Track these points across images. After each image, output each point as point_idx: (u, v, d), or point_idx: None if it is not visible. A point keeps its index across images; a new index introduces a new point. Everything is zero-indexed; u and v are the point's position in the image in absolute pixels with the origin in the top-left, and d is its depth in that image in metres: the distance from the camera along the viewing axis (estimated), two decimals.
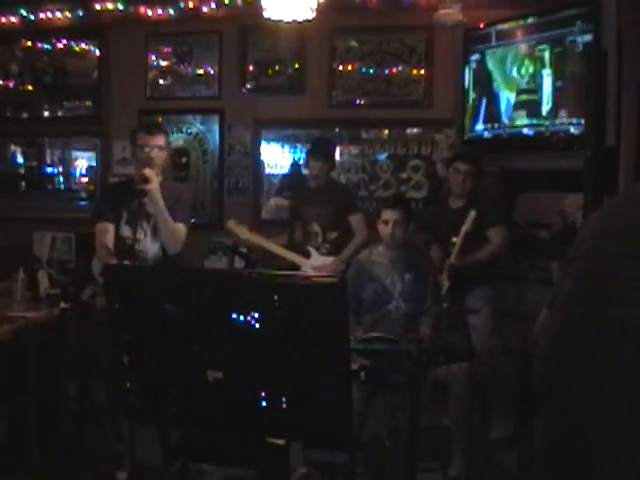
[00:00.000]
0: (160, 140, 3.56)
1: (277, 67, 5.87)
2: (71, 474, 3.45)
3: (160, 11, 5.89)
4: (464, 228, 3.96)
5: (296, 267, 4.47)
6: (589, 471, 1.48)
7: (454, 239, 4.02)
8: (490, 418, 4.02)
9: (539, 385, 1.66)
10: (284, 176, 5.90)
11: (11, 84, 6.44)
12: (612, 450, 1.42)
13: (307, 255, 4.51)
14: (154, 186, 3.40)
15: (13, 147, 6.56)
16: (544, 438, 1.65)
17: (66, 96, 6.32)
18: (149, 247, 3.54)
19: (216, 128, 6.04)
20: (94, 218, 3.66)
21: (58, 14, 6.03)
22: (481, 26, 5.11)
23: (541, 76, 4.67)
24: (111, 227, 3.53)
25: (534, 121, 4.69)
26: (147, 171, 3.41)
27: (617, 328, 1.43)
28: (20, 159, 6.55)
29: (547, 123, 4.57)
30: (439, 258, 4.21)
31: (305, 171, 4.80)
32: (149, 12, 5.90)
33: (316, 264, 4.46)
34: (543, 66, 4.65)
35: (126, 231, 3.51)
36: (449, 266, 4.03)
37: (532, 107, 4.72)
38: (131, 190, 3.49)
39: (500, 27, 4.98)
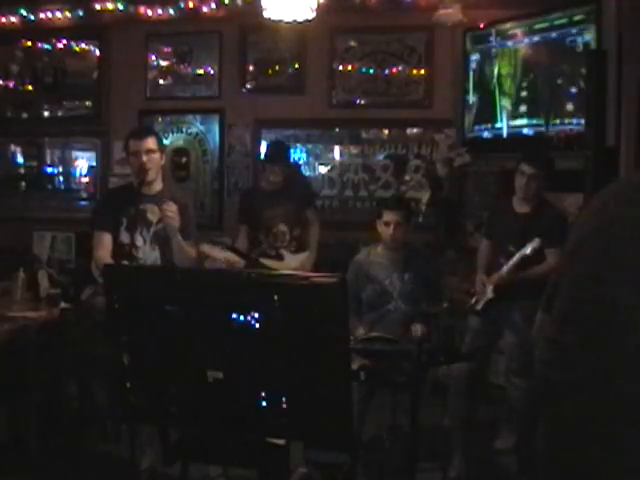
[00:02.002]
0: (150, 143, 3.54)
1: (277, 67, 5.88)
2: (71, 474, 3.44)
3: (160, 11, 5.89)
4: (523, 251, 3.68)
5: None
6: (589, 475, 1.48)
7: (511, 248, 3.76)
8: (498, 428, 3.98)
9: (540, 387, 1.67)
10: None
11: (11, 84, 6.45)
12: (613, 454, 1.42)
13: (281, 258, 4.50)
14: (174, 222, 3.45)
15: (13, 147, 6.56)
16: (545, 441, 1.66)
17: (66, 96, 6.32)
18: (148, 254, 3.53)
19: (216, 128, 6.05)
20: (93, 225, 3.65)
21: (58, 14, 6.04)
22: (481, 26, 5.12)
23: (541, 76, 4.67)
24: (109, 237, 3.51)
25: (534, 121, 4.70)
26: (168, 206, 3.44)
27: (619, 330, 1.43)
28: (20, 159, 6.55)
29: (547, 123, 4.57)
30: (488, 255, 4.02)
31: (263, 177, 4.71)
32: (149, 12, 5.90)
33: (292, 264, 4.44)
34: (543, 66, 4.65)
35: (125, 237, 3.49)
36: (499, 278, 3.79)
37: (532, 107, 4.73)
38: (130, 195, 3.48)
39: (500, 27, 4.98)
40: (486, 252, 4.09)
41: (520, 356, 3.77)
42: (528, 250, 3.68)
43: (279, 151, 4.72)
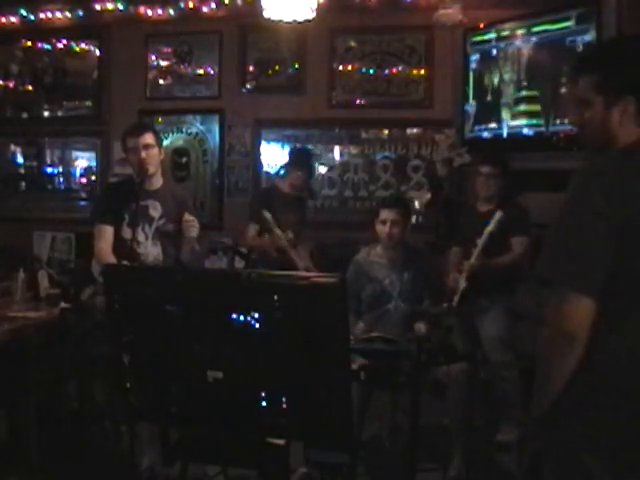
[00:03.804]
0: (147, 138, 3.55)
1: (277, 67, 5.88)
2: (71, 474, 3.44)
3: (160, 11, 5.89)
4: (488, 229, 3.83)
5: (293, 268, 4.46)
6: None
7: (478, 241, 3.89)
8: (497, 423, 4.00)
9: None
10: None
11: (11, 84, 6.44)
12: None
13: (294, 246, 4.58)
14: (195, 232, 3.52)
15: (13, 147, 6.56)
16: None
17: (66, 96, 6.32)
18: (150, 250, 3.55)
19: (216, 128, 6.04)
20: (93, 218, 3.66)
21: (58, 14, 6.04)
22: (481, 26, 5.12)
23: (541, 76, 4.67)
24: (110, 229, 3.53)
25: (534, 121, 4.70)
26: (189, 217, 3.52)
27: None
28: (20, 159, 6.55)
29: (547, 123, 4.57)
30: (459, 261, 4.10)
31: (283, 180, 4.78)
32: (149, 12, 5.90)
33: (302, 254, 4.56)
34: (543, 66, 4.65)
35: (127, 233, 3.51)
36: (469, 266, 3.89)
37: (532, 107, 4.73)
38: (132, 191, 3.49)
39: (500, 27, 4.98)
40: (454, 259, 4.23)
41: (505, 349, 3.93)
42: (492, 225, 3.84)
43: (301, 157, 4.83)
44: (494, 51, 5.02)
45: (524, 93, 4.78)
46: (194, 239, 3.57)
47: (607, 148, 1.74)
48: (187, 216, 3.56)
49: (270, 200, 4.62)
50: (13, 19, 6.14)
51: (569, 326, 1.54)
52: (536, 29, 4.70)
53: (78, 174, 6.42)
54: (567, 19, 4.45)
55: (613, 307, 1.53)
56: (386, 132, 5.77)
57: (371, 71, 5.73)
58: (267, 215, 4.36)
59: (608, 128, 1.70)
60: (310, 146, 5.82)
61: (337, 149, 5.87)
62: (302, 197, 4.81)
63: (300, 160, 4.74)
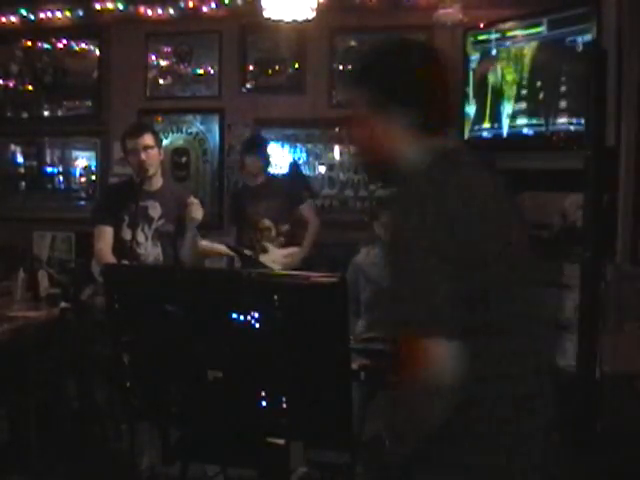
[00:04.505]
0: (147, 139, 3.56)
1: (277, 67, 5.88)
2: (71, 474, 3.44)
3: (160, 11, 5.89)
4: None
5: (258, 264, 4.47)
6: None
7: None
8: None
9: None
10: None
11: (11, 84, 6.44)
12: None
13: (264, 250, 4.53)
14: (199, 214, 3.55)
15: (13, 147, 6.55)
16: None
17: (66, 96, 6.31)
18: (150, 251, 3.55)
19: (216, 128, 6.04)
20: (93, 220, 3.67)
21: (58, 14, 6.03)
22: (481, 26, 5.12)
23: (541, 75, 4.67)
24: (110, 230, 3.53)
25: (534, 121, 4.69)
26: (192, 200, 3.56)
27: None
28: (20, 159, 6.54)
29: (547, 123, 4.57)
30: None
31: (244, 171, 4.87)
32: (149, 12, 5.90)
33: (276, 257, 4.48)
34: (543, 65, 4.65)
35: (127, 234, 3.51)
36: None
37: (532, 107, 4.72)
38: (131, 192, 3.49)
39: (500, 27, 4.97)
40: None
41: None
42: None
43: (253, 143, 4.88)
44: (494, 51, 5.02)
45: (524, 92, 4.78)
46: (198, 221, 3.55)
47: (386, 165, 1.59)
48: (191, 199, 3.56)
49: (240, 199, 4.73)
50: (13, 19, 6.13)
51: (438, 378, 1.34)
52: (536, 29, 4.69)
53: (78, 174, 6.42)
54: (567, 19, 4.44)
55: (477, 338, 1.40)
56: None
57: None
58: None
59: (383, 144, 1.56)
60: (309, 145, 5.84)
61: (337, 149, 5.87)
62: (278, 184, 4.82)
63: (252, 145, 4.79)
